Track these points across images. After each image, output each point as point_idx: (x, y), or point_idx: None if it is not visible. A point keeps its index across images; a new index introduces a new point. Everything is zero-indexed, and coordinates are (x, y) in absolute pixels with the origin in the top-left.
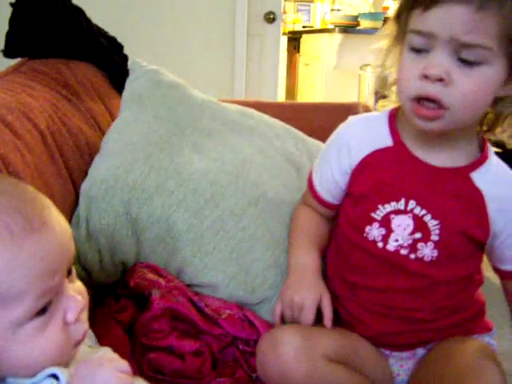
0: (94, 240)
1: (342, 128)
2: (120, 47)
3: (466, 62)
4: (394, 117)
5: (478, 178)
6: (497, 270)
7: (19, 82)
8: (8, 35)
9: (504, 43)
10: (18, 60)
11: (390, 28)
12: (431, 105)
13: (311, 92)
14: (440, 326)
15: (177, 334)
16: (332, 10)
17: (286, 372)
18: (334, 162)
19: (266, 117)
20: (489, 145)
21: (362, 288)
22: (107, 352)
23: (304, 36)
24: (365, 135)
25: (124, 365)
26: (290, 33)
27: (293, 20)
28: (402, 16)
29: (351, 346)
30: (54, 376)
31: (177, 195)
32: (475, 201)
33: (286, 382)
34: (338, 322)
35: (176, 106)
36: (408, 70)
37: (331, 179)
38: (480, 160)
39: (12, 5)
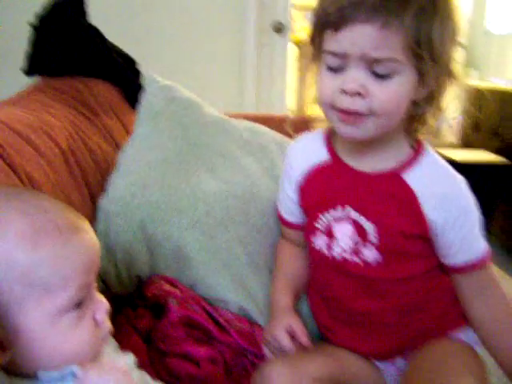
0: (111, 254)
1: (288, 150)
2: (133, 62)
3: (379, 75)
4: (330, 133)
5: (411, 177)
6: (443, 266)
7: (40, 100)
8: (28, 54)
9: (409, 54)
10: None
11: (306, 49)
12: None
13: None
14: (408, 324)
15: (192, 341)
16: None
17: None
18: (286, 183)
19: (274, 134)
20: (425, 144)
21: (328, 298)
22: (122, 359)
23: None
24: (305, 153)
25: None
26: (300, 42)
27: (301, 28)
28: (316, 38)
29: (340, 363)
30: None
31: (191, 216)
32: (409, 200)
33: None
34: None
35: (190, 124)
36: (327, 87)
37: (288, 199)
38: (411, 160)
39: (31, 25)
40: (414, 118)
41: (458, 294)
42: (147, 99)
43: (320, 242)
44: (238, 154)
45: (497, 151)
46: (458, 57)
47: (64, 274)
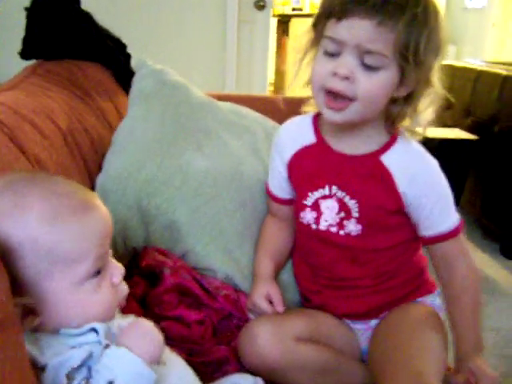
0: None
1: (277, 132)
2: (124, 46)
3: (368, 67)
4: (317, 118)
5: (387, 159)
6: (420, 238)
7: (38, 84)
8: (24, 39)
9: (397, 53)
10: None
11: (309, 33)
12: (339, 100)
13: None
14: (382, 288)
15: (183, 306)
16: None
17: (263, 356)
18: (277, 160)
19: (257, 116)
20: (401, 131)
21: (312, 264)
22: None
23: (293, 19)
24: (294, 135)
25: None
26: (279, 16)
27: (282, 2)
28: (319, 24)
29: (317, 323)
30: (94, 330)
31: (181, 192)
32: (386, 179)
33: (264, 366)
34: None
35: (180, 105)
36: (321, 68)
37: (278, 175)
38: (388, 144)
39: (26, 9)
40: (393, 114)
41: (432, 263)
42: (139, 82)
43: (308, 216)
44: (224, 135)
45: (468, 129)
46: (437, 69)
47: (82, 249)
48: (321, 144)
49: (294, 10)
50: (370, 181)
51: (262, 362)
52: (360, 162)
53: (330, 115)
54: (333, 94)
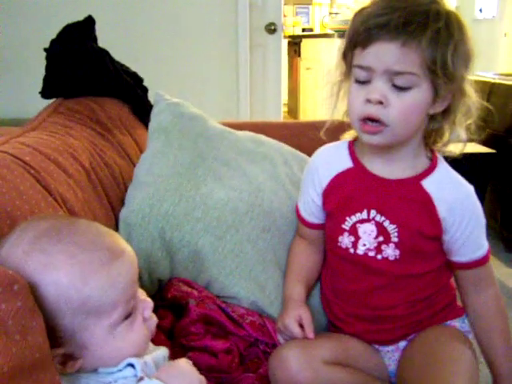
0: None
1: (312, 158)
2: (140, 80)
3: (399, 88)
4: (352, 143)
5: (428, 184)
6: (449, 262)
7: (60, 123)
8: (44, 79)
9: (426, 70)
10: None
11: (339, 66)
12: (374, 123)
13: (312, 96)
14: (415, 319)
15: (210, 336)
16: (330, 13)
17: (293, 379)
18: (310, 188)
19: (274, 143)
20: (438, 155)
21: (345, 293)
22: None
23: (304, 40)
24: (329, 161)
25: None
26: (290, 37)
27: (292, 23)
28: (348, 55)
29: (344, 347)
30: (131, 365)
31: (203, 222)
32: (426, 204)
33: None
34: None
35: (197, 137)
36: (355, 97)
37: (311, 202)
38: (429, 170)
39: (46, 50)
40: (433, 131)
41: (459, 287)
42: (157, 116)
43: (346, 241)
44: (242, 163)
45: (484, 143)
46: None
47: (112, 298)
48: (358, 168)
49: (304, 30)
50: (410, 205)
51: None
52: (401, 186)
53: (367, 138)
54: (368, 119)
